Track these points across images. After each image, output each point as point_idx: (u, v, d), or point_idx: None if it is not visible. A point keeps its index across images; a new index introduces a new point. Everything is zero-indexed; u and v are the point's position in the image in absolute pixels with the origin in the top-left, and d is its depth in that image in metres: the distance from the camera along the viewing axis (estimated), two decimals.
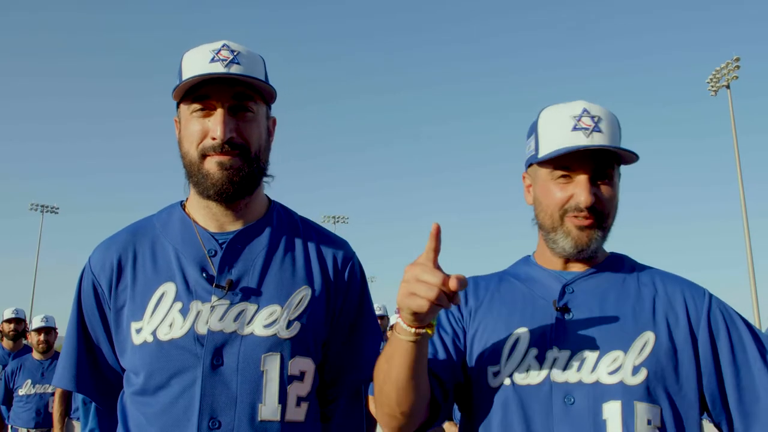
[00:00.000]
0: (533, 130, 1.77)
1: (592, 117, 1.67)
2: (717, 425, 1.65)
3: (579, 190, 1.65)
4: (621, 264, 1.77)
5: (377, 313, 8.02)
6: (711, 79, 40.45)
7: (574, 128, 1.65)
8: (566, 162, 1.67)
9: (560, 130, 1.67)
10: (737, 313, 1.68)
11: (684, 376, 1.59)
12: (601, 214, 1.67)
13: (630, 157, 1.69)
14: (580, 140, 1.64)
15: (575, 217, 1.67)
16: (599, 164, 1.66)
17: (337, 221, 67.09)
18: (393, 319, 5.89)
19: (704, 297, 1.68)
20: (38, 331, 6.88)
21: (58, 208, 59.01)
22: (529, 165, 1.79)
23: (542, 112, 1.76)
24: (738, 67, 39.16)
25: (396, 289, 1.46)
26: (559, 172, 1.68)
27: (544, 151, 1.68)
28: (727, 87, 39.39)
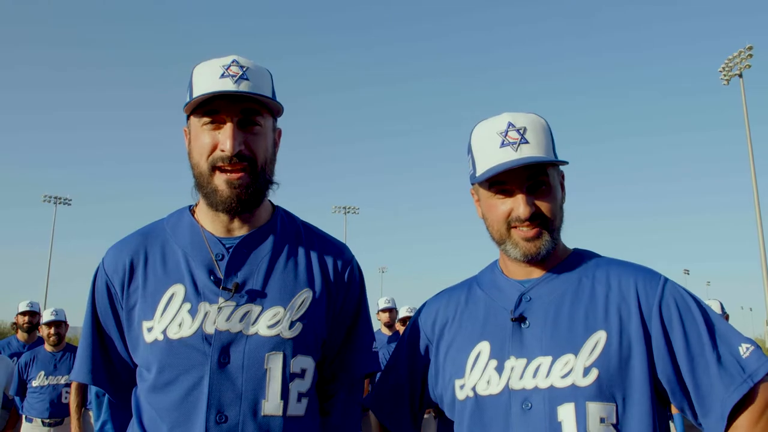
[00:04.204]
0: (469, 149, 1.85)
1: (518, 129, 1.74)
2: (681, 410, 1.70)
3: (517, 203, 1.73)
4: (580, 262, 1.83)
5: (386, 305, 8.06)
6: (723, 68, 40.02)
7: (502, 144, 1.73)
8: (501, 178, 1.74)
9: (490, 148, 1.75)
10: (694, 298, 1.72)
11: (637, 370, 1.64)
12: (545, 220, 1.75)
13: (561, 161, 1.76)
14: (509, 155, 1.71)
15: (520, 229, 1.75)
16: (533, 174, 1.73)
17: (348, 211, 66.81)
18: (402, 311, 6.09)
19: (657, 286, 1.72)
20: (48, 324, 7.00)
21: (70, 200, 59.29)
22: (472, 183, 1.86)
23: (473, 130, 1.84)
24: (751, 55, 38.69)
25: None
26: (497, 188, 1.76)
27: (479, 170, 1.77)
28: (740, 76, 38.96)
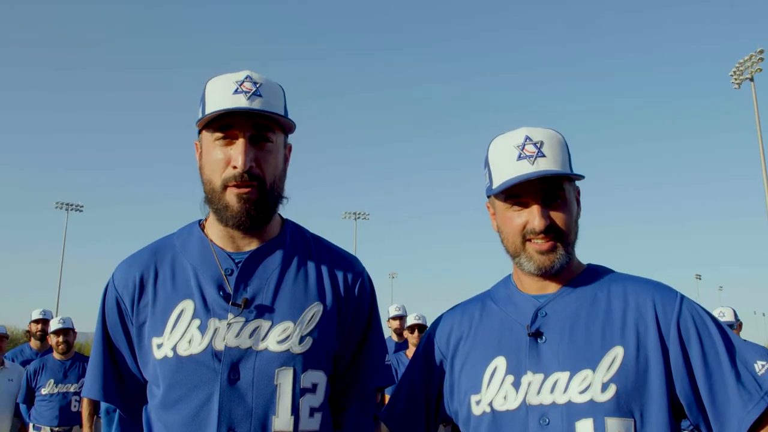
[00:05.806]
0: (485, 162, 1.86)
1: (535, 143, 1.75)
2: (696, 427, 1.70)
3: (532, 215, 1.73)
4: (595, 277, 1.83)
5: (396, 313, 8.06)
6: (734, 72, 39.94)
7: (519, 157, 1.74)
8: (517, 191, 1.75)
9: (506, 161, 1.76)
10: (710, 315, 1.73)
11: (655, 385, 1.64)
12: (560, 233, 1.75)
13: (577, 175, 1.77)
14: (525, 168, 1.72)
15: (535, 241, 1.75)
16: (549, 187, 1.74)
17: (358, 217, 66.75)
18: (410, 319, 6.04)
19: (675, 302, 1.72)
20: (56, 332, 7.04)
21: (82, 206, 59.38)
22: (488, 195, 1.87)
23: (490, 144, 1.85)
24: (762, 59, 38.68)
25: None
26: (513, 200, 1.77)
27: (496, 182, 1.78)
28: (751, 80, 38.93)
